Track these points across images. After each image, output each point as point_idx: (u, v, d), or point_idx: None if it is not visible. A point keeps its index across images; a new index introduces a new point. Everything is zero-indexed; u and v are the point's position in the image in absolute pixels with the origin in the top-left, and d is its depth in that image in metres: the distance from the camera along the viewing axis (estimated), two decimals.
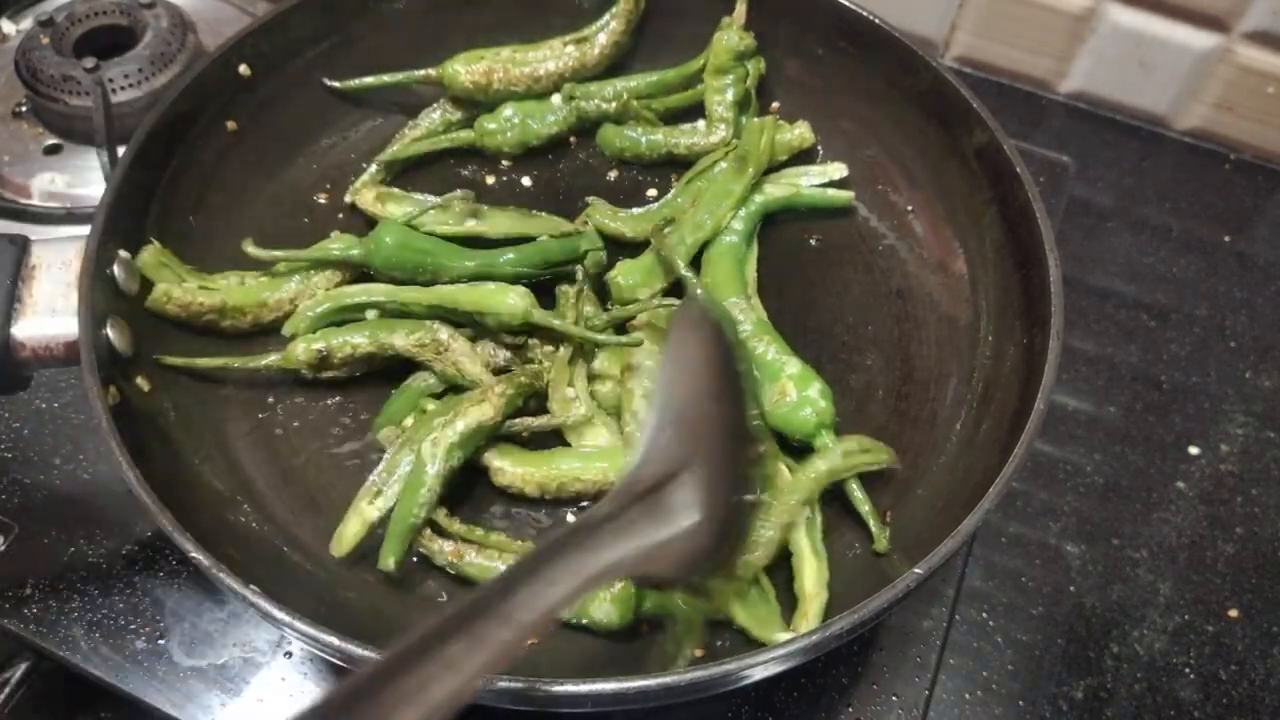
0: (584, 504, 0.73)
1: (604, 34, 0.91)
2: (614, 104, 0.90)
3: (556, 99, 0.90)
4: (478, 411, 0.70)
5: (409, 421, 0.73)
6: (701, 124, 0.90)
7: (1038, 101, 1.16)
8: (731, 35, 0.88)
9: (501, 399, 0.71)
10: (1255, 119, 1.09)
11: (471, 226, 0.82)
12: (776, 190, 0.86)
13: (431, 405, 0.73)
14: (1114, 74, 1.12)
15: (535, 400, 0.75)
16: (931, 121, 0.85)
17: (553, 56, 0.90)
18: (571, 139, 0.92)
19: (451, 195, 0.82)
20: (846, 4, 0.87)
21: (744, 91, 0.89)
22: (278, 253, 0.79)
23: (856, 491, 0.71)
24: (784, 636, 0.64)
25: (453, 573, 0.69)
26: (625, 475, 0.52)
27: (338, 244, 0.79)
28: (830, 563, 0.69)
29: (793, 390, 0.73)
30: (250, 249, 0.78)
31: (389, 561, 0.67)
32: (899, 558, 0.68)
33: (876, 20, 0.86)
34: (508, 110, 0.89)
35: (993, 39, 1.14)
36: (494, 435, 0.72)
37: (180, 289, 0.74)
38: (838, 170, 0.89)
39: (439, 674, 0.39)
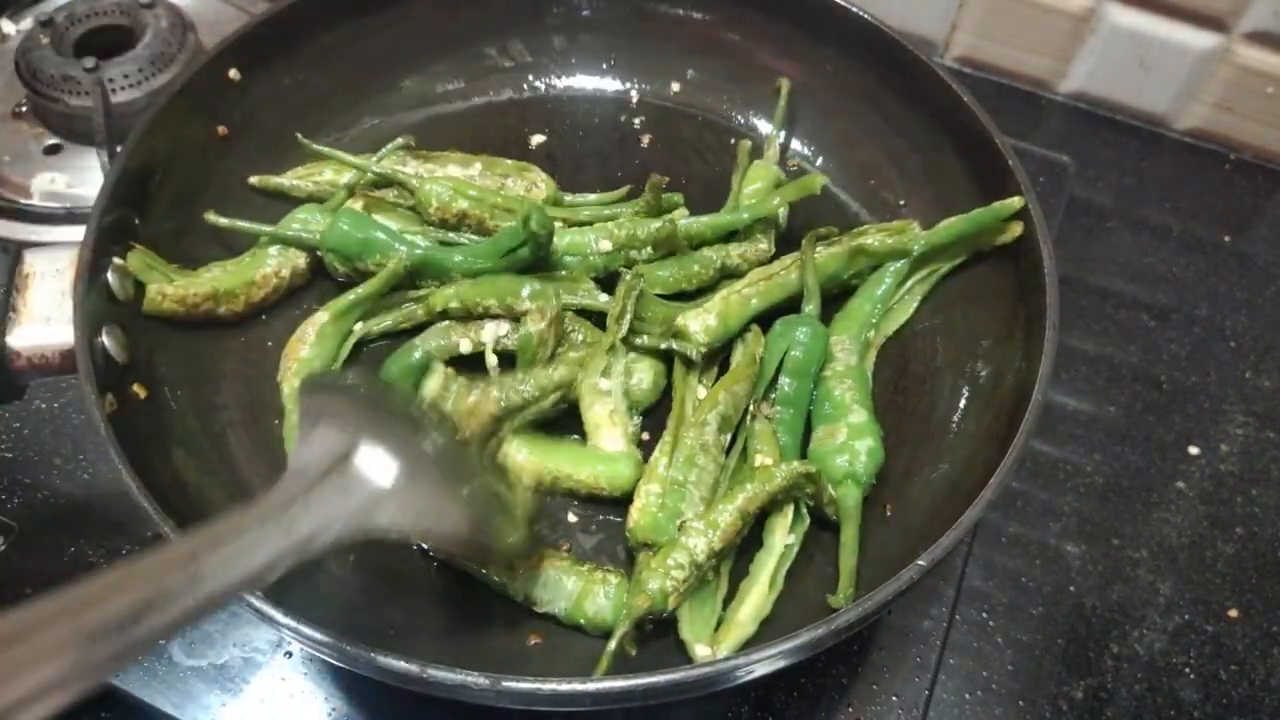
0: (575, 504, 0.73)
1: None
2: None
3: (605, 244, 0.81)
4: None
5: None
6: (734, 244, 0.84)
7: (1038, 101, 1.16)
8: (769, 168, 0.87)
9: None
10: (1255, 119, 1.09)
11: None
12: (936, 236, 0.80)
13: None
14: (1114, 74, 1.12)
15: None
16: (925, 118, 0.85)
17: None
18: None
19: (393, 144, 0.84)
20: (840, 2, 0.87)
21: (776, 214, 0.84)
22: (240, 222, 0.80)
23: (849, 539, 0.67)
24: (703, 653, 0.63)
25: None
26: (293, 465, 0.54)
27: (297, 221, 0.80)
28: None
29: (843, 434, 0.71)
30: (211, 217, 0.79)
31: None
32: (900, 553, 0.68)
33: (869, 18, 0.86)
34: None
35: (993, 39, 1.14)
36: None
37: (172, 286, 0.74)
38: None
39: (118, 623, 0.39)
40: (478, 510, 0.57)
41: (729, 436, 0.73)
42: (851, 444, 0.70)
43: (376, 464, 0.52)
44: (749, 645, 0.65)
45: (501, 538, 0.59)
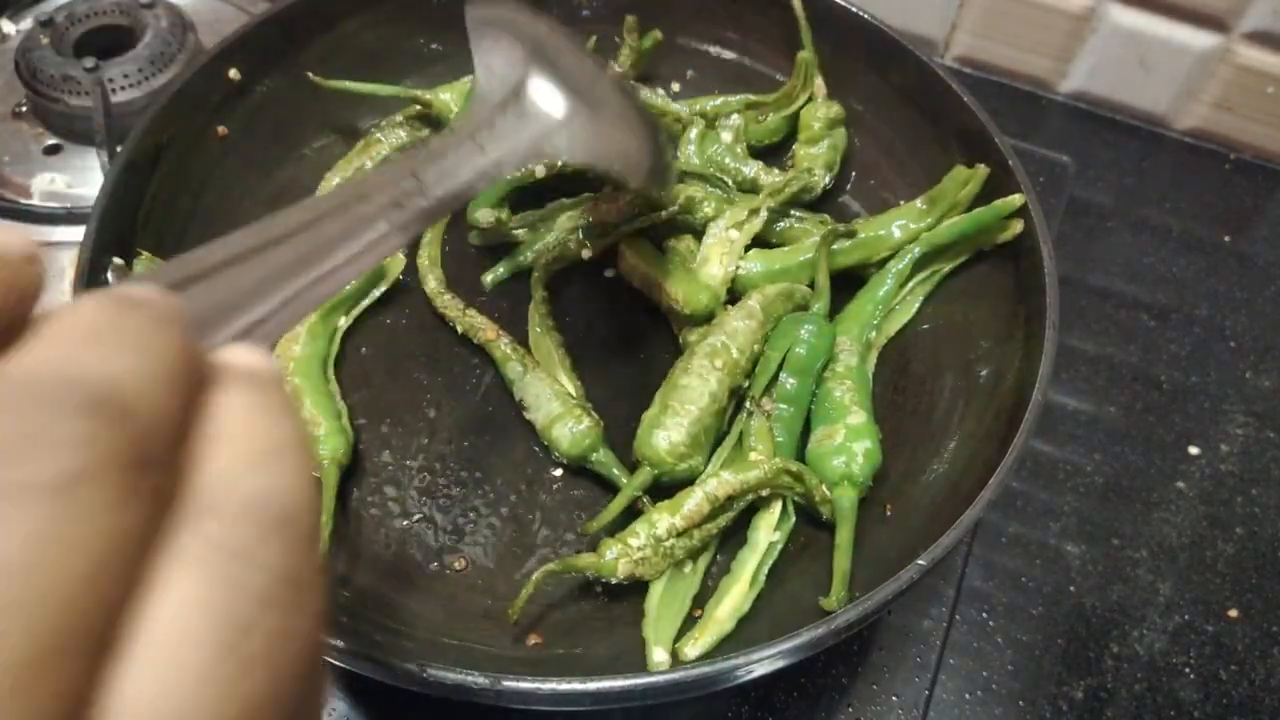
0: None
1: None
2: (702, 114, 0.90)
3: None
4: None
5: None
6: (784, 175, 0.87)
7: (1038, 101, 1.16)
8: (822, 106, 0.88)
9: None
10: (1255, 119, 1.09)
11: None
12: (945, 231, 0.80)
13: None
14: (1114, 74, 1.12)
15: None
16: (925, 118, 0.85)
17: None
18: None
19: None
20: (840, 2, 0.87)
21: (836, 160, 0.88)
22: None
23: (844, 541, 0.67)
24: (659, 658, 0.63)
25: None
26: (475, 95, 0.61)
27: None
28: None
29: (841, 436, 0.70)
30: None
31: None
32: (900, 553, 0.68)
33: (869, 18, 0.86)
34: None
35: (993, 39, 1.14)
36: None
37: None
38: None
39: (372, 218, 0.42)
40: (629, 143, 0.63)
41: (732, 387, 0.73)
42: (849, 446, 0.70)
43: (548, 96, 0.58)
44: (726, 643, 0.65)
45: (643, 171, 0.65)
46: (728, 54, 0.96)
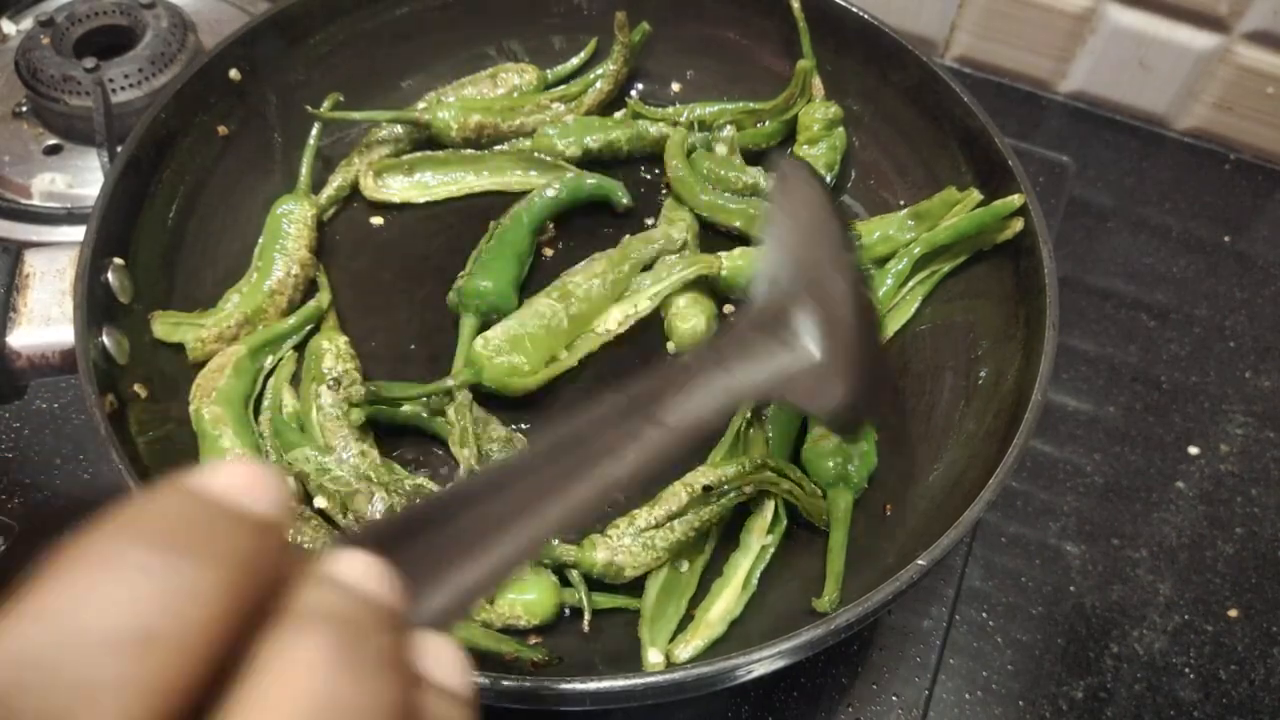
0: None
1: (591, 93, 0.92)
2: (691, 123, 0.91)
3: (618, 115, 0.93)
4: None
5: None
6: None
7: (1038, 101, 1.16)
8: (821, 107, 0.88)
9: None
10: (1255, 119, 1.09)
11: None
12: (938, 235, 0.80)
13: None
14: (1114, 74, 1.12)
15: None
16: (925, 118, 0.85)
17: (537, 111, 0.91)
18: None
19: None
20: (840, 2, 0.87)
21: (835, 160, 0.88)
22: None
23: (837, 543, 0.68)
24: (655, 659, 0.63)
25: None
26: (748, 309, 0.51)
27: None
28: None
29: (837, 438, 0.71)
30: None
31: None
32: (900, 553, 0.68)
33: (869, 18, 0.86)
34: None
35: (993, 39, 1.14)
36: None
37: (205, 330, 0.74)
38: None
39: (600, 457, 0.37)
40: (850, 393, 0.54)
41: None
42: (844, 448, 0.70)
43: (812, 329, 0.49)
44: (719, 646, 0.65)
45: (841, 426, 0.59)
46: (728, 54, 0.95)
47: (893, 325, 0.81)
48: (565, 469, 0.36)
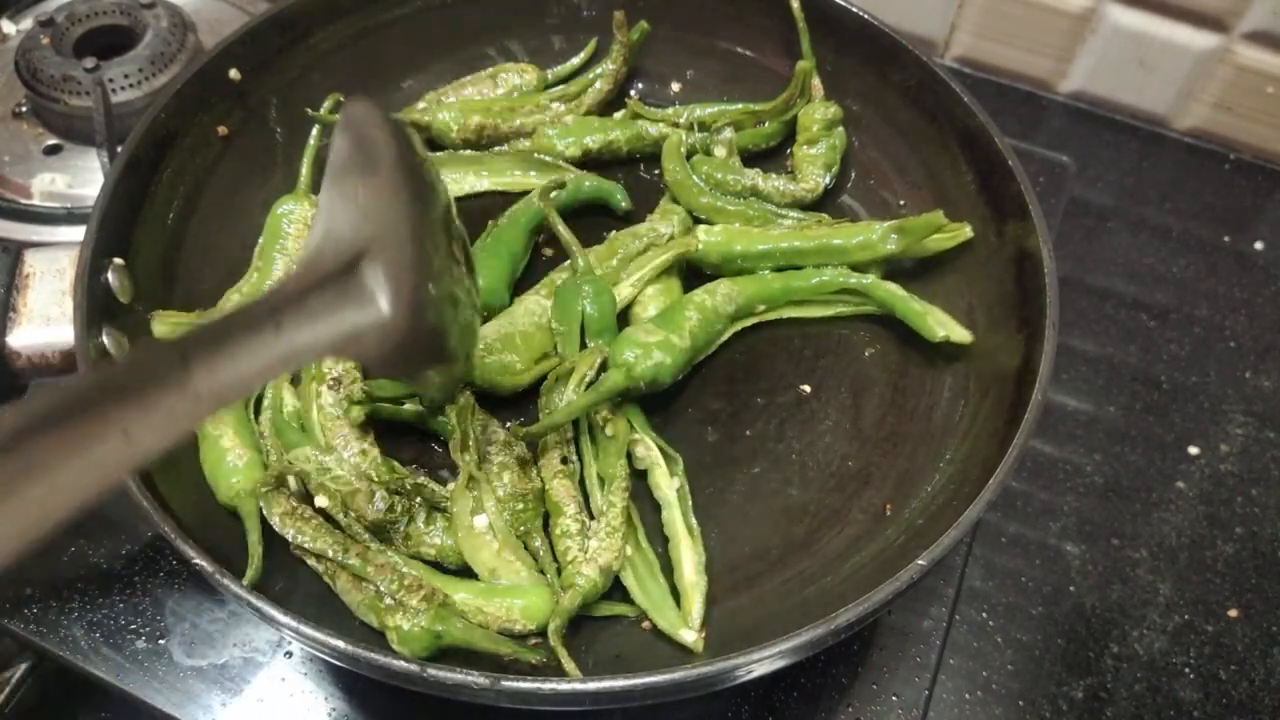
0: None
1: (591, 93, 0.92)
2: (689, 127, 0.90)
3: (618, 115, 0.92)
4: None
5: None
6: (782, 179, 0.87)
7: (1038, 101, 1.16)
8: (820, 107, 0.88)
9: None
10: (1255, 119, 1.09)
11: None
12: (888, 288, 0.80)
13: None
14: (1114, 74, 1.12)
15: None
16: (925, 118, 0.85)
17: (537, 111, 0.91)
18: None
19: None
20: (840, 2, 0.87)
21: (835, 160, 0.88)
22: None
23: (579, 405, 0.70)
24: (690, 636, 0.64)
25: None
26: (305, 257, 0.49)
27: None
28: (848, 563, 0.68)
29: (654, 338, 0.72)
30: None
31: None
32: (900, 553, 0.68)
33: (869, 18, 0.86)
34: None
35: (993, 39, 1.14)
36: None
37: None
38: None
39: (105, 433, 0.35)
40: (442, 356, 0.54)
41: None
42: (652, 347, 0.71)
43: (382, 286, 0.47)
44: (733, 617, 0.66)
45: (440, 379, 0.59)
46: (728, 54, 0.95)
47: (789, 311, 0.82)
48: (59, 440, 0.34)
